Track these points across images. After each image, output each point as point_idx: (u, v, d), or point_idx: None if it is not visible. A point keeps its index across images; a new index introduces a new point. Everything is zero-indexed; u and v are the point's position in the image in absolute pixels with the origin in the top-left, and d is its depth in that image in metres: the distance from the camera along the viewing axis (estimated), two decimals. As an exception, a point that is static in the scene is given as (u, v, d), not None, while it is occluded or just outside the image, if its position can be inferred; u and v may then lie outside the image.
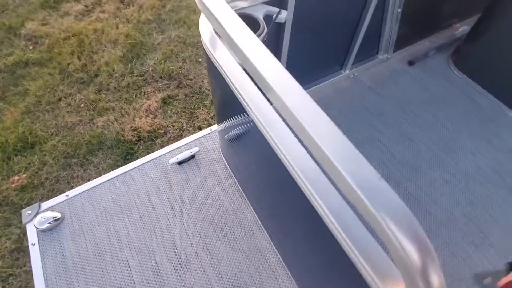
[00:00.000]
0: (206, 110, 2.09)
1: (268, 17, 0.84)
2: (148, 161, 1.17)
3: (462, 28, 1.54)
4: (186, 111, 2.09)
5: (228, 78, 0.64)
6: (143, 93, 2.21)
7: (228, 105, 0.81)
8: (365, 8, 1.19)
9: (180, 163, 1.14)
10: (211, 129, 1.32)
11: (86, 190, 1.10)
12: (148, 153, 1.83)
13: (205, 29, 0.72)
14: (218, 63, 0.67)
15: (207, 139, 1.19)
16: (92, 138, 1.94)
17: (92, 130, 1.99)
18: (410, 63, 1.61)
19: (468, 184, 1.16)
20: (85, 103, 2.15)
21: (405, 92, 1.44)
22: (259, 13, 0.80)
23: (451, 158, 1.23)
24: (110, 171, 1.75)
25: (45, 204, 1.09)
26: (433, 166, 1.20)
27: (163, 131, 1.97)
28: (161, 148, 1.85)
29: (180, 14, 2.81)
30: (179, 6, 2.89)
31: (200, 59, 2.44)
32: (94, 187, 1.10)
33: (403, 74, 1.54)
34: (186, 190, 1.05)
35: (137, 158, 1.82)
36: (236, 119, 0.74)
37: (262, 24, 0.77)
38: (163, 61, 2.40)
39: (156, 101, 2.13)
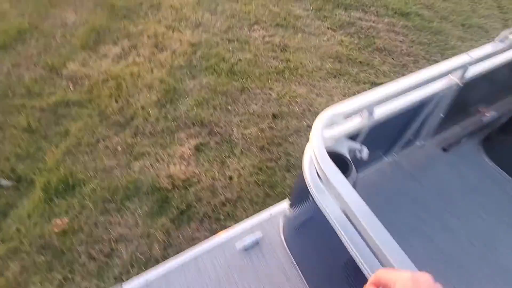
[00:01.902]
0: (236, 160, 2.22)
1: (350, 152, 0.93)
2: (216, 246, 1.23)
3: (491, 114, 1.63)
4: (217, 159, 2.22)
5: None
6: (176, 139, 2.35)
7: (306, 200, 0.91)
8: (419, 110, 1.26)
9: (245, 249, 1.21)
10: (271, 214, 1.38)
11: (164, 275, 1.17)
12: (183, 202, 1.94)
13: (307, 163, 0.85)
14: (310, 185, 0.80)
15: (268, 224, 1.28)
16: (129, 183, 2.06)
17: (129, 175, 2.11)
18: (444, 149, 1.68)
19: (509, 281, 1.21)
20: (122, 146, 2.29)
21: (442, 179, 1.54)
22: (344, 149, 0.91)
23: (491, 253, 1.30)
24: (146, 218, 1.84)
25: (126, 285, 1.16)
26: (476, 261, 1.26)
27: (196, 179, 2.08)
28: (195, 197, 1.96)
29: (210, 61, 3.02)
30: (208, 54, 3.11)
31: (229, 107, 2.60)
32: (170, 272, 1.17)
33: (439, 161, 1.63)
34: (253, 278, 1.11)
35: (172, 207, 1.93)
36: (309, 212, 0.84)
37: (350, 164, 0.86)
38: (195, 108, 2.57)
39: (189, 148, 2.27)
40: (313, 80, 2.91)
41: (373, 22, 3.72)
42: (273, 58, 3.11)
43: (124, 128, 2.41)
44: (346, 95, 2.77)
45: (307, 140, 2.46)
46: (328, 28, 3.57)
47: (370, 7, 3.96)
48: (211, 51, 3.14)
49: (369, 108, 0.94)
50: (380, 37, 3.49)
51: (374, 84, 2.90)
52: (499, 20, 4.00)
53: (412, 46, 3.40)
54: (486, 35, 3.71)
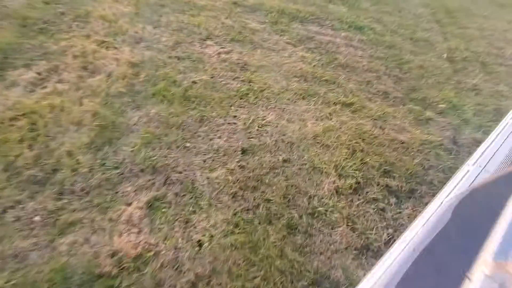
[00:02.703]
0: (204, 215, 1.76)
1: None
2: None
3: None
4: (180, 218, 1.73)
5: None
6: (120, 195, 1.79)
7: None
8: None
9: None
10: None
11: None
12: (137, 293, 1.42)
13: None
14: None
15: None
16: (53, 272, 1.45)
17: (53, 259, 1.49)
18: None
19: None
20: (41, 215, 1.65)
21: None
22: None
23: None
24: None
25: None
26: None
27: (152, 253, 1.56)
28: (153, 281, 1.45)
29: (158, 85, 2.50)
30: (155, 76, 2.59)
31: (188, 144, 2.13)
32: None
33: None
34: None
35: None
36: None
37: None
38: (142, 148, 2.03)
39: (139, 207, 1.73)
40: (281, 103, 2.59)
41: (331, 36, 3.59)
42: (233, 79, 2.72)
43: (43, 187, 1.76)
44: (318, 119, 2.51)
45: (286, 179, 2.03)
46: (287, 43, 3.32)
47: (325, 20, 3.85)
48: (158, 73, 2.62)
49: None
50: (341, 53, 3.36)
51: (345, 105, 2.71)
52: (440, 33, 4.24)
53: (372, 62, 3.34)
54: (432, 48, 3.86)
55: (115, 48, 2.78)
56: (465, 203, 1.07)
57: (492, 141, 1.49)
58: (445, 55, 3.71)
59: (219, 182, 1.92)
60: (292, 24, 3.63)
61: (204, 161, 2.03)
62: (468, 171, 1.29)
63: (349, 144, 2.35)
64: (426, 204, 2.10)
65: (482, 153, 1.40)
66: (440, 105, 2.96)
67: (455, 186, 1.22)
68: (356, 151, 2.31)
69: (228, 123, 2.33)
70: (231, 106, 2.47)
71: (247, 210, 1.82)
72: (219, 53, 2.97)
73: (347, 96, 2.80)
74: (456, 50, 3.87)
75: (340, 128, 2.47)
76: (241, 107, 2.48)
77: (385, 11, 4.34)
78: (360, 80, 3.06)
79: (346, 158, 2.24)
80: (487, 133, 2.76)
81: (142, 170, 1.92)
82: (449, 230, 1.01)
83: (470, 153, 2.57)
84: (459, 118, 2.85)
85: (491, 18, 4.85)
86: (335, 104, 2.69)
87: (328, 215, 1.88)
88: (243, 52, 3.04)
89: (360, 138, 2.42)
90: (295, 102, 2.64)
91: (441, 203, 1.14)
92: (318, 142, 2.33)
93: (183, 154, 2.06)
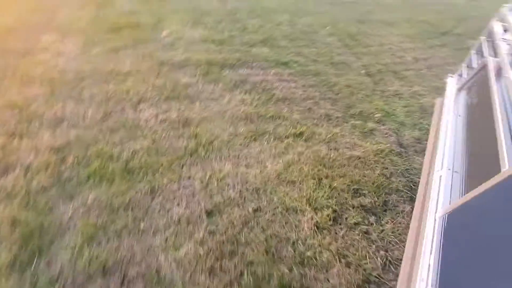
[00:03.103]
0: (181, 310, 1.43)
1: None
2: None
3: None
4: (151, 325, 1.37)
5: None
6: (65, 321, 1.36)
7: None
8: None
9: None
10: None
11: None
12: None
13: None
14: None
15: None
16: None
17: None
18: None
19: None
20: None
21: None
22: None
23: None
24: None
25: None
26: None
27: None
28: None
29: (92, 165, 2.18)
30: (86, 156, 2.26)
31: (142, 225, 1.81)
32: None
33: None
34: None
35: None
36: None
37: None
38: (85, 247, 1.65)
39: (94, 329, 1.33)
40: (234, 151, 2.47)
41: (262, 75, 3.73)
42: (178, 138, 2.54)
43: None
44: (276, 157, 2.44)
45: (263, 230, 1.79)
46: (223, 90, 3.32)
47: (252, 62, 4.02)
48: (89, 151, 2.30)
49: None
50: (276, 88, 3.48)
51: (296, 136, 2.71)
52: (351, 55, 4.78)
53: (306, 90, 3.52)
54: (351, 68, 4.29)
55: (31, 136, 2.39)
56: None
57: (444, 142, 1.57)
58: (363, 71, 4.15)
59: (189, 260, 1.63)
60: (223, 72, 3.69)
61: (166, 239, 1.73)
62: (440, 176, 1.30)
63: (313, 174, 2.30)
64: (402, 212, 2.10)
65: (443, 155, 1.45)
66: (376, 115, 3.19)
67: (438, 196, 1.20)
68: (321, 178, 2.26)
69: (184, 187, 2.09)
70: (182, 167, 2.25)
71: (231, 283, 1.55)
72: (156, 115, 2.79)
73: (296, 127, 2.83)
74: (369, 65, 4.37)
75: (299, 160, 2.43)
76: (193, 165, 2.28)
77: (301, 45, 4.78)
78: (301, 109, 3.16)
79: (315, 189, 2.17)
80: (422, 129, 3.04)
81: (89, 277, 1.53)
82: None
83: (416, 152, 2.76)
84: (395, 122, 3.09)
85: (386, 35, 5.71)
86: (286, 137, 2.68)
87: (318, 258, 1.72)
88: (181, 108, 2.91)
89: (321, 165, 2.39)
90: (247, 145, 2.54)
91: (434, 220, 1.08)
92: (283, 180, 2.22)
93: (139, 239, 1.73)
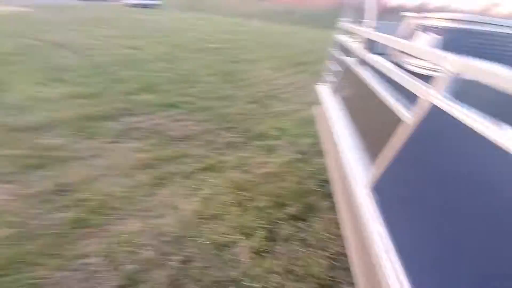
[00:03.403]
0: None
1: None
2: None
3: None
4: None
5: None
6: None
7: None
8: None
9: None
10: None
11: None
12: None
13: None
14: None
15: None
16: None
17: None
18: None
19: None
20: None
21: None
22: None
23: None
24: None
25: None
26: None
27: None
28: None
29: None
30: None
31: None
32: None
33: None
34: None
35: None
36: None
37: None
38: None
39: None
40: (138, 204, 2.07)
41: (151, 120, 3.47)
42: (57, 211, 1.94)
43: None
44: (192, 195, 2.19)
45: (198, 282, 1.53)
46: (109, 142, 2.86)
47: (136, 110, 3.71)
48: None
49: None
50: (170, 129, 3.27)
51: (205, 170, 2.55)
52: (234, 88, 5.12)
53: (201, 125, 3.46)
54: (237, 98, 4.55)
55: None
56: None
57: (338, 133, 1.76)
58: (249, 100, 4.48)
59: None
60: (104, 124, 3.22)
61: None
62: (349, 158, 1.42)
63: (234, 201, 2.16)
64: (324, 208, 2.20)
65: (343, 142, 1.61)
66: (272, 133, 3.41)
67: (355, 176, 1.28)
68: (244, 203, 2.15)
69: (77, 270, 1.55)
70: (74, 244, 1.69)
71: None
72: (14, 193, 2.08)
73: (202, 162, 2.67)
74: (253, 94, 4.77)
75: (215, 191, 2.26)
76: (89, 237, 1.75)
77: (185, 86, 4.78)
78: (202, 143, 3.04)
79: (241, 215, 2.02)
80: (312, 136, 3.42)
81: None
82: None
83: (315, 154, 3.05)
84: (290, 135, 3.38)
85: (256, 70, 6.48)
86: (195, 173, 2.48)
87: (268, 285, 1.53)
88: (55, 174, 2.29)
89: (238, 190, 2.29)
90: (154, 194, 2.19)
91: (362, 196, 1.12)
92: (204, 218, 1.98)
93: None
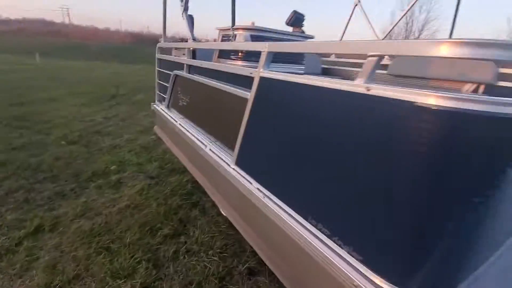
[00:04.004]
0: None
1: None
2: None
3: None
4: None
5: None
6: None
7: None
8: None
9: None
10: None
11: None
12: None
13: None
14: None
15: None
16: None
17: None
18: None
19: None
20: None
21: None
22: None
23: None
24: None
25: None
26: None
27: None
28: None
29: None
30: None
31: None
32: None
33: None
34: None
35: None
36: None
37: None
38: None
39: None
40: None
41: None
42: None
43: None
44: (27, 271, 1.60)
45: None
46: None
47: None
48: None
49: None
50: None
51: (35, 233, 1.93)
52: (36, 134, 4.07)
53: (3, 186, 2.54)
54: (46, 145, 3.67)
55: None
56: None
57: (189, 139, 1.91)
58: (63, 142, 3.71)
59: None
60: None
61: None
62: (210, 149, 1.59)
63: (95, 250, 1.80)
64: (196, 216, 2.26)
65: (198, 140, 1.77)
66: (112, 168, 3.05)
67: (219, 161, 1.47)
68: (109, 247, 1.84)
69: None
70: None
71: None
72: None
73: (23, 227, 1.99)
74: (67, 135, 3.98)
75: (62, 252, 1.78)
76: None
77: None
78: (14, 206, 2.25)
79: (111, 260, 1.73)
80: (157, 158, 3.36)
81: None
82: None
83: (167, 174, 3.03)
84: (133, 165, 3.16)
85: (60, 109, 5.43)
86: (20, 243, 1.82)
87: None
88: None
89: (96, 236, 1.92)
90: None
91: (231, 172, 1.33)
92: (61, 287, 1.53)
93: None
